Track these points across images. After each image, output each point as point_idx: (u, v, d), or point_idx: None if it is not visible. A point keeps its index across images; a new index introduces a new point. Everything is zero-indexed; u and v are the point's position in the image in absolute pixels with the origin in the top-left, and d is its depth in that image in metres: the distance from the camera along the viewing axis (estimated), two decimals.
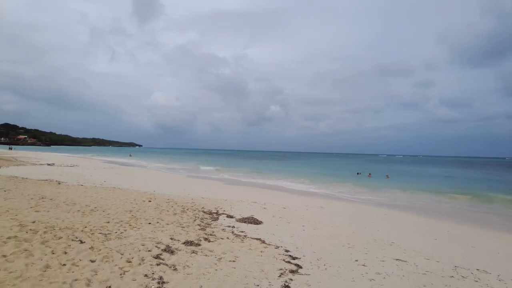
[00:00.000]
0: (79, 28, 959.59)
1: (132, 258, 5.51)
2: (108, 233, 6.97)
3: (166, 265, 5.39)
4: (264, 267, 5.85)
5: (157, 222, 8.61)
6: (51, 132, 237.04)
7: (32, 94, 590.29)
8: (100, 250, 5.72)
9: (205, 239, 7.37)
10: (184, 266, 5.42)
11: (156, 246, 6.35)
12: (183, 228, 8.20)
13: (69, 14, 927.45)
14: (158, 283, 4.63)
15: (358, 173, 41.62)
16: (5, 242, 5.41)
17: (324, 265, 6.35)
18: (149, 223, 8.41)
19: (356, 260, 6.80)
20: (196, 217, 9.92)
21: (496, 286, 5.95)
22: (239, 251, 6.72)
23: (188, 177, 29.44)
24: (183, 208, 11.12)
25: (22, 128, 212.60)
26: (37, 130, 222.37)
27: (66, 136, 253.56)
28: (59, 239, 6.05)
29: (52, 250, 5.36)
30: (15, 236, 5.78)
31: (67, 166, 30.64)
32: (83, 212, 8.96)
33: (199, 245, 6.84)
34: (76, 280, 4.38)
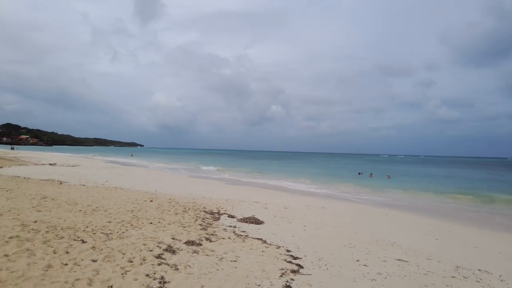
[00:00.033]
0: (81, 28, 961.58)
1: (134, 257, 5.52)
2: (110, 233, 6.99)
3: (168, 264, 5.40)
4: (265, 267, 5.85)
5: (159, 222, 8.63)
6: (53, 132, 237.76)
7: (34, 94, 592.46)
8: (101, 249, 5.73)
9: (207, 239, 7.38)
10: (185, 266, 5.42)
11: (157, 246, 6.36)
12: (185, 228, 8.21)
13: (70, 14, 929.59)
14: (160, 282, 4.64)
15: (359, 173, 41.56)
16: (7, 242, 5.42)
17: (326, 265, 6.35)
18: (151, 223, 8.42)
19: (358, 260, 6.79)
20: (197, 217, 9.93)
21: (497, 287, 5.93)
22: (241, 251, 6.73)
23: (189, 177, 29.47)
24: (184, 208, 11.14)
25: (24, 128, 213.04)
26: (39, 130, 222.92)
27: (68, 136, 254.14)
28: (61, 238, 6.06)
29: (54, 250, 5.38)
30: (17, 236, 5.80)
31: (69, 166, 30.71)
32: (85, 212, 8.98)
33: (201, 245, 6.85)
34: (78, 279, 4.39)
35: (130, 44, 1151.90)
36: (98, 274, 4.67)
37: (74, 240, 6.09)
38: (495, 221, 14.47)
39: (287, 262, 6.29)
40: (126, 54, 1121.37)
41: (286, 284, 5.12)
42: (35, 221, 7.12)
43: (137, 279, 4.65)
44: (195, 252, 6.26)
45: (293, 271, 5.75)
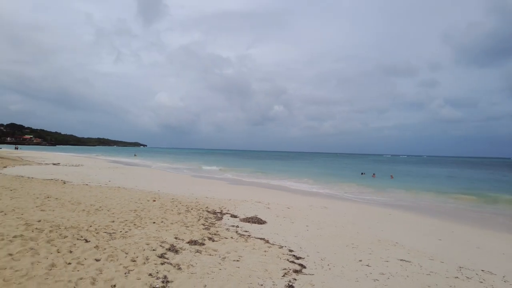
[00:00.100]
0: (84, 29, 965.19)
1: (137, 257, 5.54)
2: (113, 232, 7.01)
3: (171, 264, 5.42)
4: (268, 266, 5.86)
5: (162, 222, 8.65)
6: (56, 132, 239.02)
7: (37, 94, 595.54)
8: (105, 249, 5.76)
9: (209, 238, 7.39)
10: (188, 266, 5.44)
11: (160, 246, 6.38)
12: (187, 228, 8.22)
13: (74, 15, 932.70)
14: (163, 282, 4.66)
15: (362, 173, 41.49)
16: (11, 241, 5.46)
17: (328, 265, 6.34)
18: (154, 223, 8.44)
19: (360, 260, 6.78)
20: (200, 216, 9.95)
21: (501, 287, 5.91)
22: (243, 250, 6.74)
23: (192, 177, 29.52)
24: (187, 208, 11.16)
25: (28, 128, 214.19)
26: (43, 130, 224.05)
27: (71, 136, 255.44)
28: (64, 238, 6.09)
29: (58, 249, 5.41)
30: (21, 235, 5.83)
31: (72, 165, 30.84)
32: (88, 212, 9.02)
33: (203, 244, 6.86)
34: (81, 278, 4.41)
35: (133, 45, 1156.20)
36: (101, 273, 4.69)
37: (78, 239, 6.12)
38: (498, 221, 14.40)
39: (290, 262, 6.29)
40: (129, 54, 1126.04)
41: (288, 284, 5.12)
42: (39, 221, 7.16)
43: (140, 279, 4.67)
44: (197, 252, 6.27)
45: (296, 271, 5.75)
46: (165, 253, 5.94)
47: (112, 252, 5.65)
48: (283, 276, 5.47)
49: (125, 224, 7.94)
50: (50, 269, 4.57)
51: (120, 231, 7.20)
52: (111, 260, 5.25)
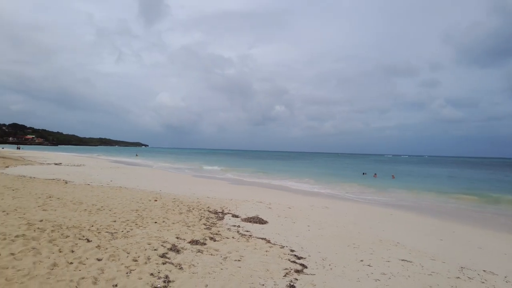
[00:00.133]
0: (86, 29, 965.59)
1: (138, 257, 5.55)
2: (115, 232, 7.03)
3: (172, 264, 5.42)
4: (269, 266, 5.86)
5: (163, 221, 8.66)
6: (58, 132, 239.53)
7: (39, 95, 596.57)
8: (106, 248, 5.77)
9: (211, 238, 7.40)
10: (189, 265, 5.45)
11: (162, 245, 6.39)
12: (189, 227, 8.24)
13: (75, 15, 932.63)
14: (164, 281, 4.67)
15: (363, 173, 41.44)
16: (13, 241, 5.48)
17: (330, 265, 6.35)
18: (155, 222, 8.46)
19: (362, 260, 6.78)
20: (201, 216, 9.96)
21: None
22: (245, 250, 6.74)
23: (193, 176, 29.55)
24: (188, 208, 11.17)
25: (30, 128, 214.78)
26: (45, 130, 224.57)
27: (73, 136, 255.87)
28: (66, 237, 6.11)
29: (60, 249, 5.43)
30: (23, 235, 5.85)
31: (74, 165, 30.90)
32: (90, 211, 9.04)
33: (205, 244, 6.87)
34: (83, 278, 4.42)
35: (135, 45, 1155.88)
36: (103, 273, 4.70)
37: (79, 239, 6.14)
38: (500, 221, 14.37)
39: (291, 262, 6.29)
40: (131, 54, 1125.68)
41: (290, 284, 5.13)
42: (41, 220, 7.18)
43: (141, 278, 4.68)
44: (199, 252, 6.28)
45: (297, 271, 5.76)
46: (166, 253, 5.95)
47: (114, 251, 5.66)
48: (285, 276, 5.47)
49: (127, 224, 7.96)
50: (52, 269, 4.58)
51: (122, 231, 7.22)
52: (113, 260, 5.26)
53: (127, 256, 5.51)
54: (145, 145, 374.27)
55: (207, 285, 4.74)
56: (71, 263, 4.90)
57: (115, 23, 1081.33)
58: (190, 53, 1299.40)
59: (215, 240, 7.27)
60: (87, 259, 5.15)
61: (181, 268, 5.27)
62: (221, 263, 5.79)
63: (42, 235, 6.04)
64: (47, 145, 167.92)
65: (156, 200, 12.13)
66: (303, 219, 11.16)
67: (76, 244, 5.80)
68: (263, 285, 5.00)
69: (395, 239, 9.02)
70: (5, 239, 5.50)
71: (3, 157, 35.77)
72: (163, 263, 5.38)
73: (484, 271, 6.74)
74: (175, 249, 6.27)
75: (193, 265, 5.49)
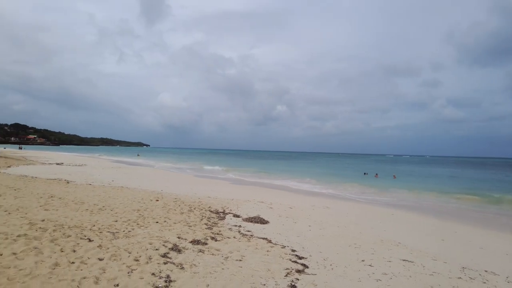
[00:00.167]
0: (87, 29, 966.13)
1: (140, 256, 5.56)
2: (116, 232, 7.04)
3: (173, 263, 5.43)
4: (270, 266, 5.86)
5: (165, 221, 8.67)
6: (60, 132, 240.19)
7: (40, 95, 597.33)
8: (108, 248, 5.78)
9: (212, 238, 7.41)
10: (191, 265, 5.45)
11: (163, 245, 6.39)
12: (190, 227, 8.24)
13: (77, 15, 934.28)
14: (165, 281, 4.67)
15: (365, 173, 41.40)
16: (15, 240, 5.49)
17: (331, 265, 6.34)
18: (157, 222, 8.47)
19: (363, 260, 6.78)
20: (203, 216, 9.97)
21: None
22: (246, 250, 6.74)
23: (195, 176, 29.58)
24: (190, 208, 11.18)
25: (32, 128, 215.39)
26: (46, 130, 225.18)
27: (75, 136, 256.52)
28: (68, 237, 6.12)
29: (61, 248, 5.44)
30: (25, 234, 5.87)
31: (76, 165, 30.97)
32: (92, 211, 9.06)
33: (206, 244, 6.88)
34: (84, 278, 4.43)
35: (136, 45, 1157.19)
36: (104, 272, 4.71)
37: (81, 238, 6.15)
38: (501, 221, 14.33)
39: (292, 261, 6.29)
40: (132, 54, 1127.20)
41: (291, 284, 5.13)
42: (43, 220, 7.19)
43: (143, 278, 4.68)
44: (200, 251, 6.29)
45: (298, 271, 5.76)
46: (168, 253, 5.96)
47: (115, 251, 5.67)
48: (286, 276, 5.47)
49: (128, 224, 7.97)
50: (54, 268, 4.59)
51: (123, 231, 7.23)
52: (114, 260, 5.27)
53: (129, 256, 5.52)
54: (147, 145, 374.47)
55: (208, 285, 4.75)
56: (73, 262, 4.91)
57: (117, 23, 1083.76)
58: (191, 53, 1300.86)
59: (216, 240, 7.28)
60: (88, 258, 5.16)
61: (182, 268, 5.27)
62: (223, 263, 5.79)
63: (44, 234, 6.05)
64: (49, 145, 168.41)
65: (157, 200, 12.14)
66: (304, 219, 11.16)
67: (78, 243, 5.81)
68: (264, 285, 5.00)
69: (396, 239, 9.01)
70: (7, 238, 5.51)
71: (5, 157, 35.88)
72: (165, 263, 5.39)
73: (485, 271, 6.73)
74: (176, 249, 6.27)
75: (194, 265, 5.50)
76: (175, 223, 8.55)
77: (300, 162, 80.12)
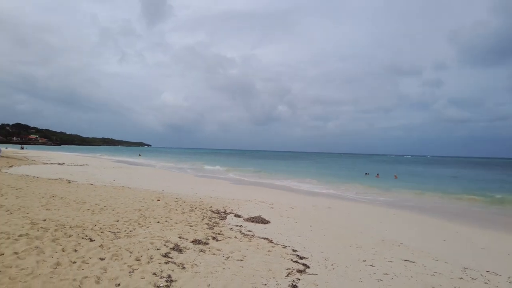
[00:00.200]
0: (90, 30, 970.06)
1: (141, 256, 5.57)
2: (117, 232, 7.05)
3: (175, 263, 5.44)
4: (271, 266, 5.86)
5: (166, 221, 8.68)
6: (61, 132, 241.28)
7: (43, 94, 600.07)
8: (109, 248, 5.79)
9: (213, 238, 7.41)
10: (192, 265, 5.46)
11: (164, 245, 6.40)
12: (191, 227, 8.25)
13: (79, 15, 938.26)
14: (167, 281, 4.68)
15: (366, 174, 41.31)
16: (17, 240, 5.51)
17: (332, 265, 6.34)
18: (158, 222, 8.48)
19: (364, 260, 6.77)
20: (204, 216, 9.98)
21: None
22: (247, 250, 6.74)
23: (196, 176, 29.58)
24: (191, 207, 11.19)
25: (34, 128, 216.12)
26: (48, 130, 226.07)
27: (76, 135, 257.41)
28: (69, 237, 6.14)
29: (63, 248, 5.45)
30: (27, 234, 5.89)
31: (77, 165, 31.03)
32: (93, 211, 9.08)
33: (207, 244, 6.88)
34: (86, 277, 4.44)
35: (138, 45, 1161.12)
36: (105, 272, 4.72)
37: (82, 238, 6.17)
38: (503, 222, 14.27)
39: (293, 261, 6.29)
40: (134, 54, 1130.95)
41: (292, 284, 5.12)
42: (44, 220, 7.21)
43: (144, 278, 4.69)
44: (201, 251, 6.29)
45: (299, 271, 5.75)
46: (169, 252, 5.96)
47: (117, 251, 5.68)
48: (287, 276, 5.47)
49: (130, 224, 7.99)
50: (55, 268, 4.61)
51: (125, 230, 7.24)
52: (116, 259, 5.28)
53: (130, 256, 5.53)
54: (148, 145, 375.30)
55: (209, 285, 4.75)
56: (74, 262, 4.92)
57: (119, 24, 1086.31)
58: (193, 53, 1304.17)
59: (217, 240, 7.28)
60: (90, 258, 5.17)
61: (183, 268, 5.28)
62: (224, 262, 5.80)
63: (46, 234, 6.07)
64: (51, 145, 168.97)
65: (158, 200, 12.15)
66: (306, 219, 11.15)
67: (79, 243, 5.83)
68: (265, 284, 5.00)
69: (397, 239, 9.00)
70: (8, 238, 5.54)
71: (7, 157, 35.97)
72: (166, 263, 5.40)
73: (487, 271, 6.71)
74: (177, 248, 6.28)
75: (195, 264, 5.50)
76: (176, 223, 8.55)
77: (302, 162, 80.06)
